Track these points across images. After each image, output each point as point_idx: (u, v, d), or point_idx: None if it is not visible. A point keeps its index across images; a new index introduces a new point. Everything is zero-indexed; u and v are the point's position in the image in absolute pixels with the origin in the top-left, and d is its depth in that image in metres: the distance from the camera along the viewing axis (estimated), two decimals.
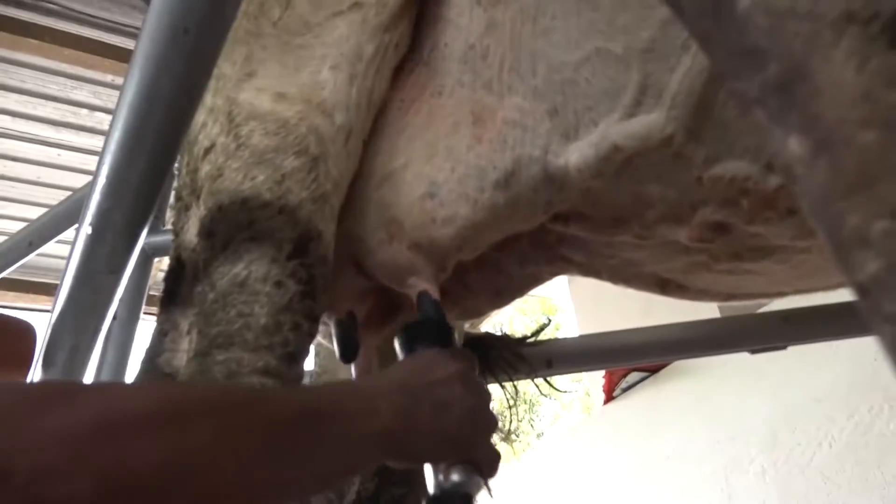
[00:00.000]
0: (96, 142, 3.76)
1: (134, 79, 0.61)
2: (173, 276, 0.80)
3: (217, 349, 0.67)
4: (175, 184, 0.86)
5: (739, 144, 0.76)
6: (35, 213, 3.89)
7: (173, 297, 0.78)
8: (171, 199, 1.47)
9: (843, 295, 1.09)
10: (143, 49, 0.59)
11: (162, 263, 1.91)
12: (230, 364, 0.66)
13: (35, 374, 0.88)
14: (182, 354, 0.74)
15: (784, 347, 1.10)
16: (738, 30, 0.30)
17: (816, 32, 0.28)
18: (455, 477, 0.63)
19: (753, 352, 1.11)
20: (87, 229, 0.72)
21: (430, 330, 0.79)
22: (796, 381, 2.42)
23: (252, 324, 0.68)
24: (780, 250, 0.90)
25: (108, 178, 0.67)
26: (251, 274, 0.70)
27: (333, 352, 0.97)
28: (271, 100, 0.81)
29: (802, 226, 0.82)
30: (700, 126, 0.75)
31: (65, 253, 3.17)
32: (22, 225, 3.80)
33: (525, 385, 1.22)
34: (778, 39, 0.28)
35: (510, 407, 1.15)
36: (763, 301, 1.32)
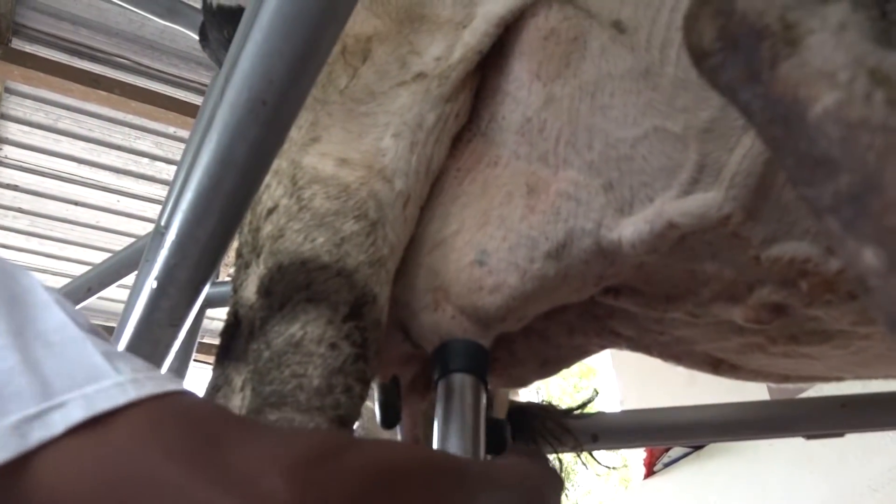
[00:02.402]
0: (155, 190, 3.90)
1: (211, 144, 0.63)
2: (230, 331, 0.82)
3: (269, 408, 0.68)
4: (236, 241, 0.88)
5: (800, 226, 0.75)
6: (92, 255, 4.03)
7: (228, 353, 0.80)
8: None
9: None
10: (221, 116, 0.62)
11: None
12: (282, 424, 0.67)
13: None
14: (234, 411, 0.75)
15: (842, 435, 1.06)
16: (810, 138, 0.30)
17: (890, 145, 0.28)
18: None
19: (809, 437, 1.07)
20: (152, 283, 0.74)
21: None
22: (850, 467, 2.31)
23: (305, 385, 0.69)
24: (839, 335, 0.87)
25: (177, 235, 0.70)
26: (307, 335, 0.71)
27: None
28: (334, 164, 0.83)
29: (864, 311, 0.80)
30: (759, 206, 0.74)
31: (117, 296, 3.23)
32: (80, 267, 3.94)
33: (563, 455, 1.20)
34: (850, 150, 0.28)
35: None
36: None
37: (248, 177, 0.66)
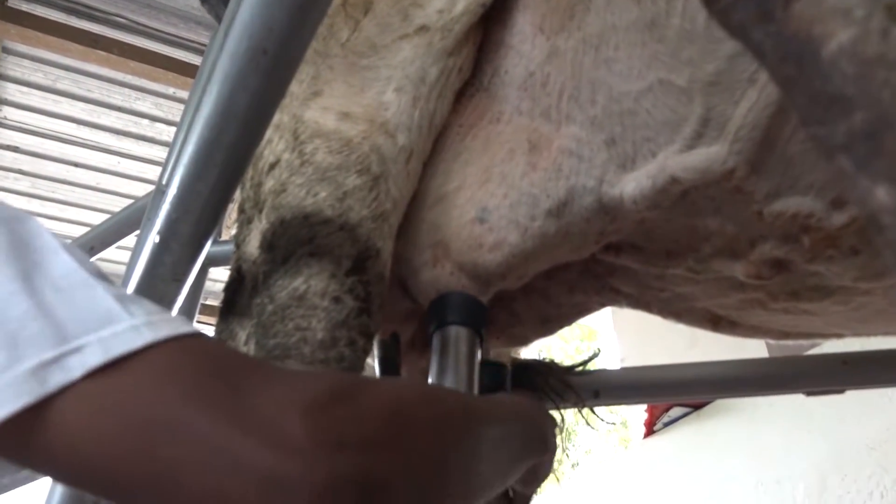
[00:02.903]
0: (155, 151, 3.88)
1: (211, 95, 0.63)
2: (233, 286, 0.82)
3: (273, 361, 0.69)
4: (238, 196, 0.88)
5: (804, 180, 0.74)
6: (93, 217, 4.03)
7: (232, 308, 0.80)
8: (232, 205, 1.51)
9: None
10: (222, 67, 0.61)
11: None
12: None
13: None
14: None
15: (842, 391, 1.07)
16: (823, 76, 0.29)
17: None
18: None
19: (809, 394, 1.08)
20: (154, 238, 0.74)
21: None
22: (849, 426, 2.34)
23: (309, 338, 0.69)
24: (840, 291, 0.87)
25: (178, 189, 0.69)
26: (310, 288, 0.71)
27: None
28: (336, 119, 0.83)
29: (866, 267, 0.80)
30: (763, 160, 0.73)
31: (120, 257, 3.25)
32: (81, 228, 3.94)
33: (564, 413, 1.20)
34: (865, 87, 0.28)
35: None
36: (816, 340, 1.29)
37: (249, 128, 0.65)
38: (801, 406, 2.43)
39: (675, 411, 3.12)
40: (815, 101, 0.30)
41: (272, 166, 0.82)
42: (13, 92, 3.53)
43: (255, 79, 0.61)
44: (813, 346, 1.92)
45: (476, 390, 0.80)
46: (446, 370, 0.79)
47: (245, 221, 0.84)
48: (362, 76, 0.85)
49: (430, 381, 0.81)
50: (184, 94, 3.49)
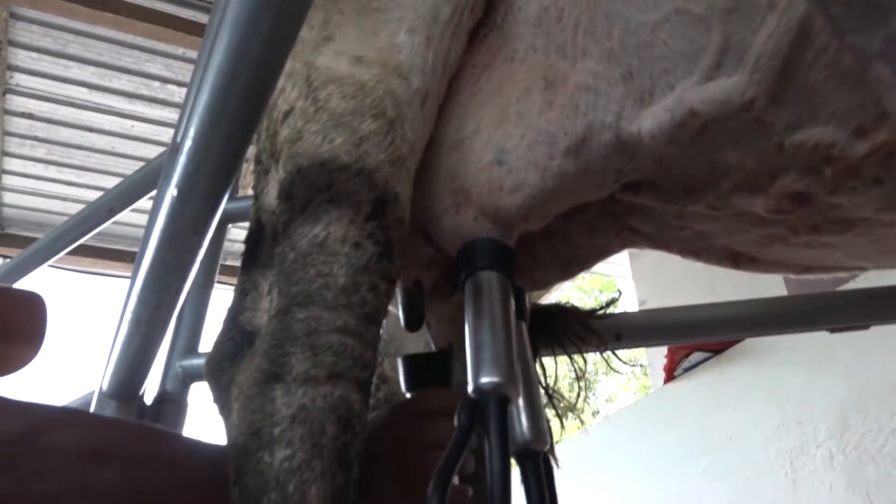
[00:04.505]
0: (167, 113, 3.88)
1: (222, 42, 0.62)
2: (253, 238, 0.82)
3: (297, 307, 0.69)
4: (254, 148, 0.88)
5: (826, 109, 0.73)
6: (108, 181, 4.06)
7: (253, 259, 0.80)
8: (246, 165, 1.51)
9: None
10: (232, 11, 0.60)
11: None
12: (310, 322, 0.68)
13: (121, 330, 0.93)
14: (262, 314, 0.76)
15: (867, 327, 1.06)
16: None
17: None
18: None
19: (833, 330, 1.07)
20: (172, 191, 0.74)
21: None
22: (871, 365, 2.33)
23: (331, 283, 0.69)
24: (862, 223, 0.86)
25: (194, 140, 0.69)
26: (330, 235, 0.71)
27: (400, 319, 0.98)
28: (349, 63, 0.82)
29: (889, 197, 0.78)
30: (783, 90, 0.72)
31: (137, 220, 3.29)
32: (96, 193, 3.97)
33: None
34: None
35: (578, 379, 1.14)
36: (839, 276, 1.27)
37: (261, 74, 0.64)
38: (823, 346, 2.43)
39: (696, 356, 3.12)
40: (849, 8, 0.29)
41: (286, 115, 0.81)
42: (23, 58, 3.53)
43: (266, 22, 0.60)
44: (834, 282, 1.90)
45: (514, 332, 0.80)
46: (482, 314, 0.79)
47: (262, 172, 0.84)
48: (373, 19, 0.84)
49: (466, 325, 0.81)
50: (193, 54, 3.47)
